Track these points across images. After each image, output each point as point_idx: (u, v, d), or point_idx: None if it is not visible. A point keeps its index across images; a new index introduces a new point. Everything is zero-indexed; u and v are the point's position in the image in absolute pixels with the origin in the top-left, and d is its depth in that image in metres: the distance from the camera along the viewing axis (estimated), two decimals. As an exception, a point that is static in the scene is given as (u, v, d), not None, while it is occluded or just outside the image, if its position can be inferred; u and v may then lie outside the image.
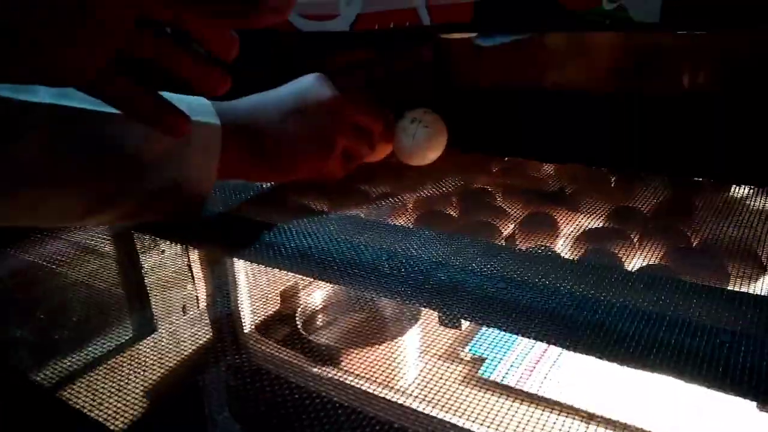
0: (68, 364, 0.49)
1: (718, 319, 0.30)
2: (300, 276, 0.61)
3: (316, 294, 0.65)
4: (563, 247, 0.47)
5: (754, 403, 0.27)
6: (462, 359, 0.57)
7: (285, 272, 0.59)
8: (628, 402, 0.45)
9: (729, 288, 0.38)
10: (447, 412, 0.44)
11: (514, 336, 0.53)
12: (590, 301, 0.32)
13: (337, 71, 0.74)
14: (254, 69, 0.68)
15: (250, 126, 0.46)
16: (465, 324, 0.52)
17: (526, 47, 0.60)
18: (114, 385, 0.47)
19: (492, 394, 0.50)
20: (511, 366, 0.54)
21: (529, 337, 0.31)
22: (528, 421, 0.37)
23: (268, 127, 0.47)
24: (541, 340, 0.31)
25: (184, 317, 0.62)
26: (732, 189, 0.49)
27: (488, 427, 0.37)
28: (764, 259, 0.41)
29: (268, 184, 0.54)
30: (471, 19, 0.44)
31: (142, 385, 0.48)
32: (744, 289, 0.39)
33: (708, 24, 0.38)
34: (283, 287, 0.65)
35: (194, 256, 0.55)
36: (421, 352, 0.57)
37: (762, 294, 0.36)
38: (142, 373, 0.50)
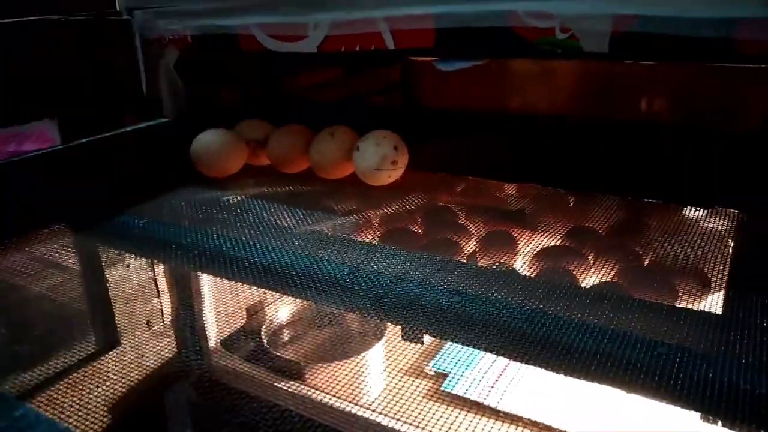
0: (30, 377, 0.49)
1: (657, 332, 0.32)
2: (264, 291, 0.62)
3: (282, 310, 0.66)
4: (522, 264, 0.49)
5: (698, 414, 0.29)
6: (426, 374, 0.58)
7: (250, 287, 0.59)
8: (584, 415, 0.47)
9: (674, 304, 0.40)
10: (411, 425, 0.45)
11: (477, 352, 0.55)
12: (539, 314, 0.34)
13: (309, 88, 0.76)
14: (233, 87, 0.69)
15: None
16: (428, 339, 0.54)
17: (488, 72, 0.63)
18: (76, 398, 0.47)
19: (454, 408, 0.52)
20: (473, 381, 0.55)
21: (480, 349, 0.32)
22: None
23: None
24: (492, 352, 0.32)
25: (149, 331, 0.62)
26: (682, 210, 0.52)
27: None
28: (710, 277, 0.43)
29: (235, 199, 0.55)
30: (434, 45, 0.46)
31: (104, 400, 0.48)
32: (690, 306, 0.41)
33: (652, 55, 0.40)
34: (248, 303, 0.66)
35: (159, 270, 0.55)
36: (385, 368, 0.58)
37: (701, 310, 0.38)
38: (104, 386, 0.50)
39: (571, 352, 0.31)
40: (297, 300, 0.65)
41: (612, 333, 0.32)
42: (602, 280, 0.45)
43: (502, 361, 0.57)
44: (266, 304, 0.66)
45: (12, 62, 0.66)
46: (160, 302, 0.58)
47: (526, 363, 0.31)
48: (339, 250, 0.44)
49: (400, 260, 0.42)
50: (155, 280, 0.57)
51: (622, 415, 0.46)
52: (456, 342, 0.34)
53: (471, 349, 0.48)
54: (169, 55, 0.61)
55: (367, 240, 0.52)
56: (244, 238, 0.46)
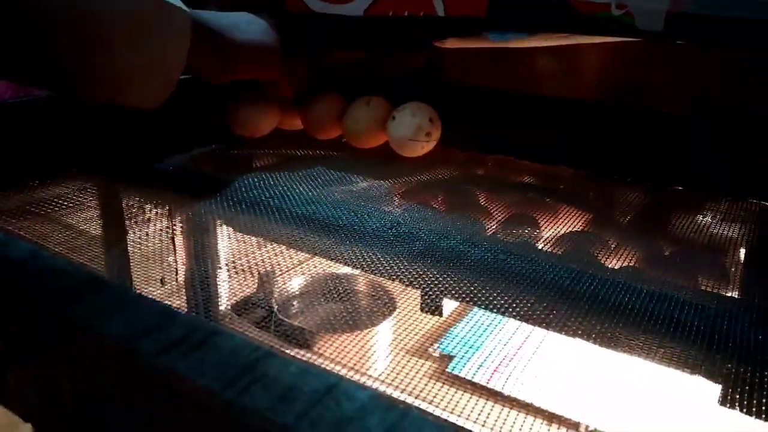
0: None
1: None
2: (284, 256, 0.62)
3: (295, 280, 0.66)
4: (543, 247, 0.49)
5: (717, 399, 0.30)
6: (431, 355, 0.58)
7: (266, 257, 0.59)
8: (591, 404, 0.47)
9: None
10: (415, 399, 0.45)
11: (484, 335, 0.55)
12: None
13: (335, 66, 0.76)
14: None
15: (210, 22, 0.49)
16: (447, 311, 0.54)
17: (513, 58, 0.63)
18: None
19: (458, 389, 0.51)
20: (480, 365, 0.55)
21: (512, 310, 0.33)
22: (489, 414, 0.37)
23: (225, 28, 0.50)
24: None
25: (161, 289, 0.61)
26: (710, 199, 0.52)
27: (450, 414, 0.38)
28: (731, 269, 0.44)
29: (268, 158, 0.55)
30: (485, 14, 0.47)
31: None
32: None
33: (708, 39, 0.41)
34: (263, 270, 0.65)
35: (183, 222, 0.55)
36: (392, 345, 0.58)
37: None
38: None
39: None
40: (312, 270, 0.65)
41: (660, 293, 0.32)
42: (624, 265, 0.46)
43: (511, 345, 0.57)
44: (282, 272, 0.66)
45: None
46: (178, 258, 0.58)
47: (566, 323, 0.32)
48: (378, 204, 0.44)
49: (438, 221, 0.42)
50: (177, 234, 0.57)
51: (636, 406, 0.46)
52: (495, 300, 0.34)
53: (477, 332, 0.48)
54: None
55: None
56: (280, 191, 0.46)
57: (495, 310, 0.34)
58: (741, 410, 0.26)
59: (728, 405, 0.27)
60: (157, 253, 0.48)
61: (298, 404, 0.14)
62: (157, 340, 0.17)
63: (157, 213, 0.48)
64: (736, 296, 0.38)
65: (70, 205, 0.49)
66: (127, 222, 0.50)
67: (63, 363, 0.20)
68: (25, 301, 0.20)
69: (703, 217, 0.49)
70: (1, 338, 0.23)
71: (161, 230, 0.49)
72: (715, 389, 0.27)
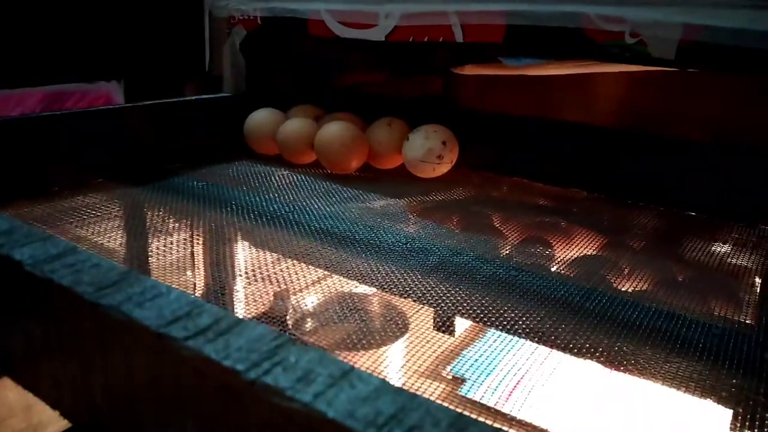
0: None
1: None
2: (302, 273, 0.63)
3: (309, 298, 0.67)
4: (557, 269, 0.50)
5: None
6: (444, 378, 0.58)
7: (282, 273, 0.60)
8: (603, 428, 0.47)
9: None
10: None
11: (495, 360, 0.55)
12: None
13: (354, 87, 0.78)
14: (284, 75, 0.71)
15: None
16: (460, 333, 0.54)
17: (527, 83, 0.65)
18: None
19: (470, 413, 0.52)
20: (492, 389, 0.55)
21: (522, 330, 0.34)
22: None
23: None
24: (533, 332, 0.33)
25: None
26: (723, 225, 0.53)
27: None
28: (743, 297, 0.44)
29: (287, 175, 0.56)
30: (503, 40, 0.48)
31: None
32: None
33: (719, 66, 0.42)
34: (277, 288, 0.67)
35: (203, 234, 0.56)
36: (403, 366, 0.59)
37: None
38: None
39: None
40: (326, 288, 0.66)
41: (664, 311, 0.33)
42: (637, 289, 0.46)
43: (524, 368, 0.57)
44: (296, 290, 0.67)
45: (87, 20, 0.69)
46: (197, 270, 0.59)
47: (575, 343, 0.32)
48: (394, 222, 0.45)
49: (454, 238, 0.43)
50: (197, 245, 0.58)
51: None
52: (507, 317, 0.35)
53: (491, 355, 0.48)
54: (236, 34, 0.64)
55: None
56: (299, 205, 0.47)
57: (507, 326, 0.35)
58: None
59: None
60: (177, 264, 0.49)
61: (316, 385, 0.15)
62: (185, 327, 0.18)
63: (178, 225, 0.49)
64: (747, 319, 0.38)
65: (95, 214, 0.50)
66: (149, 233, 0.51)
67: (95, 353, 0.21)
68: (60, 292, 0.22)
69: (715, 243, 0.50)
70: (36, 328, 0.24)
71: (181, 241, 0.50)
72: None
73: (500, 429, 0.14)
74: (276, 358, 0.16)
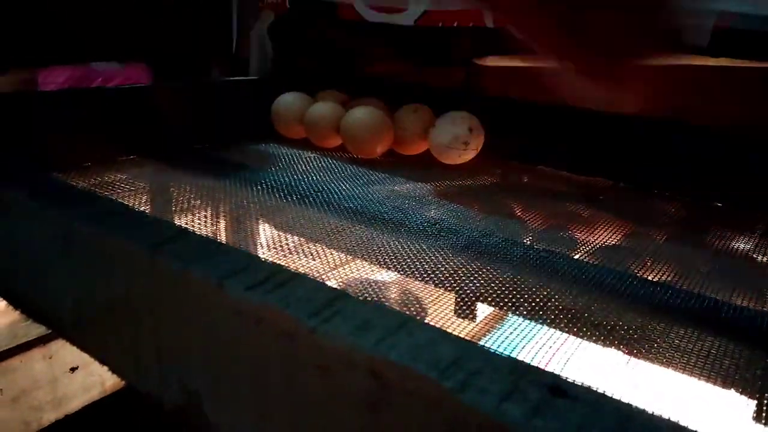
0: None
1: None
2: (324, 259, 0.64)
3: (328, 283, 0.67)
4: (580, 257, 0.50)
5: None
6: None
7: (304, 256, 0.60)
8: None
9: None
10: None
11: (514, 347, 0.55)
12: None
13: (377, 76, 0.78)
14: (309, 59, 0.72)
15: None
16: (479, 320, 0.55)
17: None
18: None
19: None
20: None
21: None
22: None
23: None
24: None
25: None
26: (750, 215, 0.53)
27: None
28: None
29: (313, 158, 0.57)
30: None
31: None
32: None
33: (753, 54, 0.42)
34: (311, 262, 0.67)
35: (226, 210, 0.57)
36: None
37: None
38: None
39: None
40: (346, 275, 0.66)
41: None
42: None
43: (542, 355, 0.58)
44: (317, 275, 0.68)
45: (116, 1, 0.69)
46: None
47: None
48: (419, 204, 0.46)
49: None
50: (220, 220, 0.59)
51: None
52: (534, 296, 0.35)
53: (510, 342, 0.49)
54: (264, 18, 0.64)
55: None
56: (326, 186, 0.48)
57: (540, 304, 0.35)
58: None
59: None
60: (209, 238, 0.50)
61: (376, 332, 0.16)
62: (244, 280, 0.18)
63: (207, 203, 0.50)
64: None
65: (127, 189, 0.51)
66: (178, 209, 0.52)
67: (148, 309, 0.22)
68: (114, 248, 0.22)
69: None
70: (89, 288, 0.25)
71: (210, 218, 0.51)
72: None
73: (558, 375, 0.14)
74: (335, 308, 0.17)
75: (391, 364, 0.15)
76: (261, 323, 0.17)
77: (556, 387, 0.14)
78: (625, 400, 0.14)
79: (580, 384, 0.14)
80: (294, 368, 0.17)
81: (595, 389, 0.14)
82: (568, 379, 0.14)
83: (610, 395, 0.14)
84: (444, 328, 0.40)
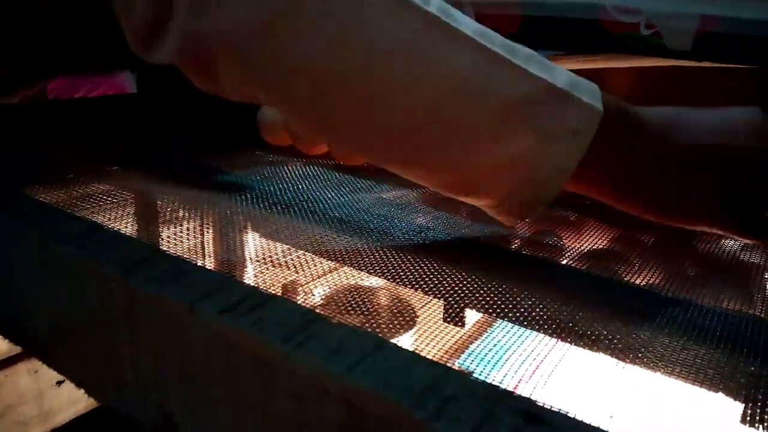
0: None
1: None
2: (311, 265, 0.63)
3: (317, 290, 0.67)
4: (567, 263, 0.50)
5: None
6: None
7: (290, 268, 0.60)
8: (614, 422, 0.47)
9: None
10: None
11: (502, 355, 0.55)
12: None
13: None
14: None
15: (655, 132, 0.34)
16: (468, 326, 0.54)
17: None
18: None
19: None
20: (499, 382, 0.55)
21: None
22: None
23: (684, 145, 0.33)
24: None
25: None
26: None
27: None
28: (754, 293, 0.44)
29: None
30: (517, 30, 0.48)
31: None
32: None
33: (736, 58, 0.42)
34: (286, 281, 0.67)
35: (211, 220, 0.56)
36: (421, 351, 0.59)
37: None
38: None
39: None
40: (334, 282, 0.66)
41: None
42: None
43: (532, 361, 0.57)
44: (304, 282, 0.67)
45: (99, 10, 0.69)
46: (208, 257, 0.59)
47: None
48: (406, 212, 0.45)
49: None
50: (205, 232, 0.58)
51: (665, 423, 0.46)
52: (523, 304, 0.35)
53: (498, 348, 0.48)
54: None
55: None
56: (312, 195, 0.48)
57: (524, 314, 0.35)
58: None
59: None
60: (189, 251, 0.49)
61: (350, 357, 0.16)
62: (217, 303, 0.18)
63: (192, 213, 0.49)
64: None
65: (110, 201, 0.50)
66: (162, 220, 0.51)
67: (124, 330, 0.21)
68: (89, 269, 0.22)
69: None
70: (64, 308, 0.24)
71: (195, 229, 0.50)
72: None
73: (534, 402, 0.14)
74: (308, 332, 0.17)
75: (365, 393, 0.14)
76: (234, 348, 0.17)
77: (530, 414, 0.13)
78: (603, 425, 0.14)
79: (556, 410, 0.14)
80: (268, 396, 0.17)
81: (571, 415, 0.14)
82: (544, 405, 0.14)
83: (586, 421, 0.14)
84: (428, 338, 0.40)
